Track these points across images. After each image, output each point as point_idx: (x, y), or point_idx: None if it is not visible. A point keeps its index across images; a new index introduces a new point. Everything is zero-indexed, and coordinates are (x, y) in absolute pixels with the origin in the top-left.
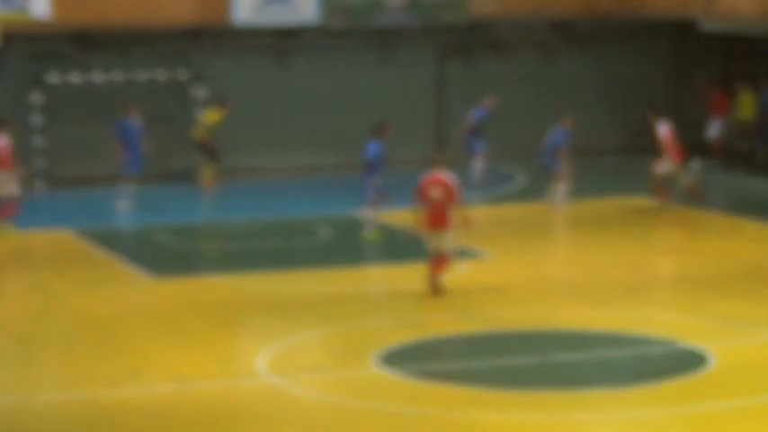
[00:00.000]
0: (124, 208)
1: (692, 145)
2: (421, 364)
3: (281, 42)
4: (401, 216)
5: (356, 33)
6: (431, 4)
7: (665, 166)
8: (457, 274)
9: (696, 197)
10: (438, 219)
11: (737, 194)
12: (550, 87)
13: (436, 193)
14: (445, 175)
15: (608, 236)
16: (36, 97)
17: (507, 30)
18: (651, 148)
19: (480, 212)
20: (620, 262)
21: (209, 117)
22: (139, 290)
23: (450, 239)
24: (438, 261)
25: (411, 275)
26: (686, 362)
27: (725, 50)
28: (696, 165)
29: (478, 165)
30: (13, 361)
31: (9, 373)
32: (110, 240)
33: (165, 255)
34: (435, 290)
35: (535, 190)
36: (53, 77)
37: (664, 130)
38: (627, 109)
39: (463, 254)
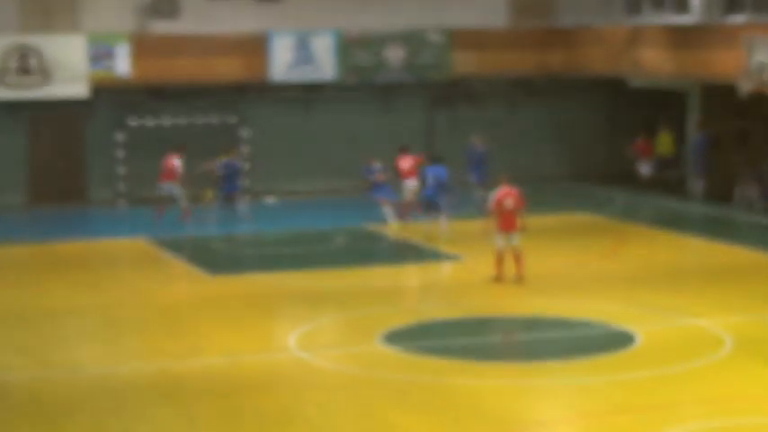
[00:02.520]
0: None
1: (620, 175)
2: (416, 342)
3: (307, 94)
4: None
5: (364, 87)
6: (422, 65)
7: None
8: (444, 272)
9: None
10: (510, 223)
11: (660, 212)
12: (512, 129)
13: (509, 203)
14: (514, 189)
15: (557, 243)
16: (119, 136)
17: (480, 85)
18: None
19: (465, 225)
20: (566, 263)
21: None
22: (199, 285)
23: (519, 239)
24: (515, 257)
25: (406, 273)
26: (618, 341)
27: (648, 100)
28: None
29: (478, 191)
30: (102, 339)
31: (99, 348)
32: (175, 247)
33: (219, 258)
34: (519, 278)
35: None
36: (132, 121)
37: None
38: (571, 146)
39: (450, 258)
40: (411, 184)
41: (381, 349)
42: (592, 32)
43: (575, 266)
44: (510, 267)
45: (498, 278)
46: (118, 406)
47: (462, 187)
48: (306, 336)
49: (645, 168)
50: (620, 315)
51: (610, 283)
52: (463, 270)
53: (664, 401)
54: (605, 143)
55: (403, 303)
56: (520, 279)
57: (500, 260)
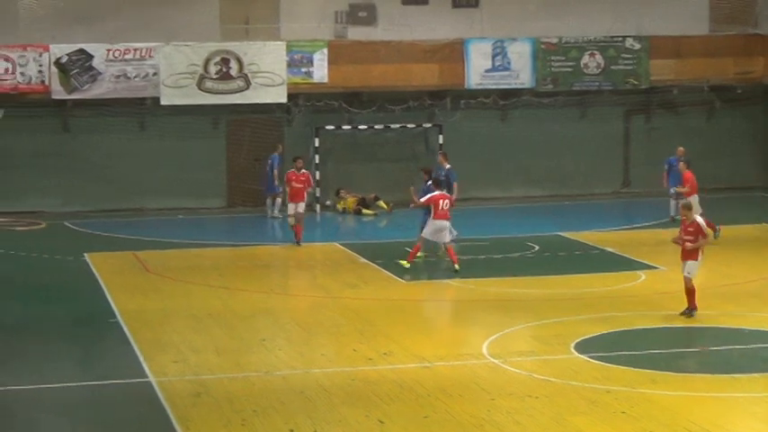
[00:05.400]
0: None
1: None
2: (610, 351)
3: (503, 101)
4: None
5: (560, 94)
6: (620, 71)
7: None
8: (641, 281)
9: None
10: (687, 253)
11: None
12: (711, 138)
13: (688, 236)
14: (698, 221)
15: (756, 254)
16: (316, 141)
17: (679, 92)
18: None
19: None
20: (760, 275)
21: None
22: (392, 289)
23: (694, 269)
24: (688, 291)
25: (598, 282)
26: None
27: None
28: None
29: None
30: (296, 341)
31: (293, 350)
32: (369, 252)
33: (413, 263)
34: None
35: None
36: (328, 126)
37: None
38: None
39: (649, 267)
40: None
41: (575, 357)
42: None
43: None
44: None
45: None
46: (309, 407)
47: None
48: (498, 342)
49: None
50: None
51: None
52: (661, 280)
53: None
54: None
55: (597, 312)
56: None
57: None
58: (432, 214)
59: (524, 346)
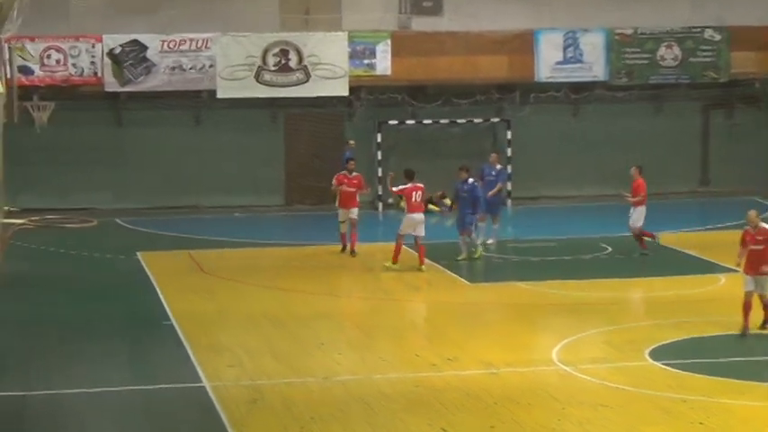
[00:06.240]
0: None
1: None
2: (686, 358)
3: (575, 95)
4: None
5: (635, 88)
6: (698, 64)
7: None
8: (719, 286)
9: None
10: (757, 266)
11: None
12: None
13: (758, 245)
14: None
15: None
16: (378, 136)
17: (761, 86)
18: None
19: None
20: None
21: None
22: (458, 292)
23: None
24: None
25: (674, 285)
26: None
27: None
28: None
29: None
30: (357, 345)
31: (354, 355)
32: (433, 252)
33: (478, 265)
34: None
35: None
36: (391, 121)
37: None
38: None
39: (729, 271)
40: None
41: (649, 365)
42: None
43: None
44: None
45: (743, 332)
46: (370, 415)
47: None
48: (569, 348)
49: None
50: None
51: None
52: (734, 285)
53: None
54: None
55: (673, 317)
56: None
57: (747, 308)
58: (406, 208)
59: (596, 353)
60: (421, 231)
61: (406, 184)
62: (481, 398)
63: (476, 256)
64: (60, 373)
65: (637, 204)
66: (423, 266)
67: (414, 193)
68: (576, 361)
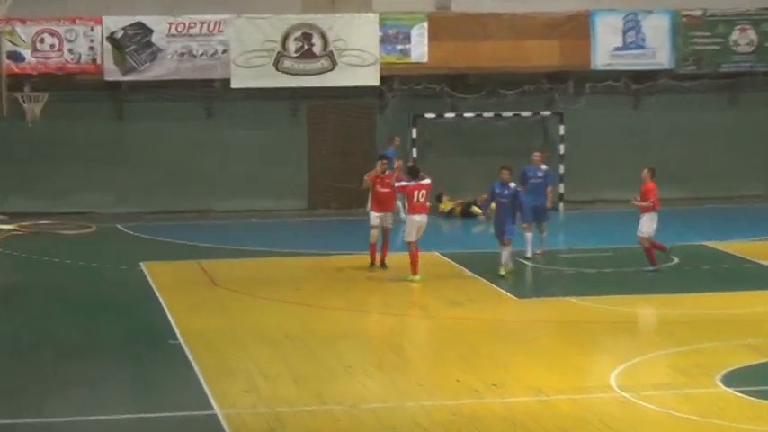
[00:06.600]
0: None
1: None
2: (762, 384)
3: (636, 85)
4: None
5: (705, 77)
6: None
7: None
8: None
9: None
10: None
11: None
12: None
13: None
14: None
15: None
16: (413, 131)
17: None
18: None
19: None
20: None
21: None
22: (503, 308)
23: None
24: None
25: (749, 302)
26: None
27: None
28: None
29: None
30: (388, 368)
31: (384, 380)
32: (477, 263)
33: (527, 278)
34: None
35: None
36: (428, 114)
37: None
38: None
39: None
40: None
41: (722, 392)
42: None
43: None
44: None
45: None
46: None
47: None
48: (629, 372)
49: None
50: None
51: None
52: None
53: None
54: None
55: (748, 337)
56: None
57: None
58: (407, 208)
59: (660, 378)
60: (419, 233)
61: (409, 181)
62: (529, 428)
63: (501, 272)
64: (54, 398)
65: (645, 211)
66: (417, 277)
67: (416, 192)
68: (637, 387)
